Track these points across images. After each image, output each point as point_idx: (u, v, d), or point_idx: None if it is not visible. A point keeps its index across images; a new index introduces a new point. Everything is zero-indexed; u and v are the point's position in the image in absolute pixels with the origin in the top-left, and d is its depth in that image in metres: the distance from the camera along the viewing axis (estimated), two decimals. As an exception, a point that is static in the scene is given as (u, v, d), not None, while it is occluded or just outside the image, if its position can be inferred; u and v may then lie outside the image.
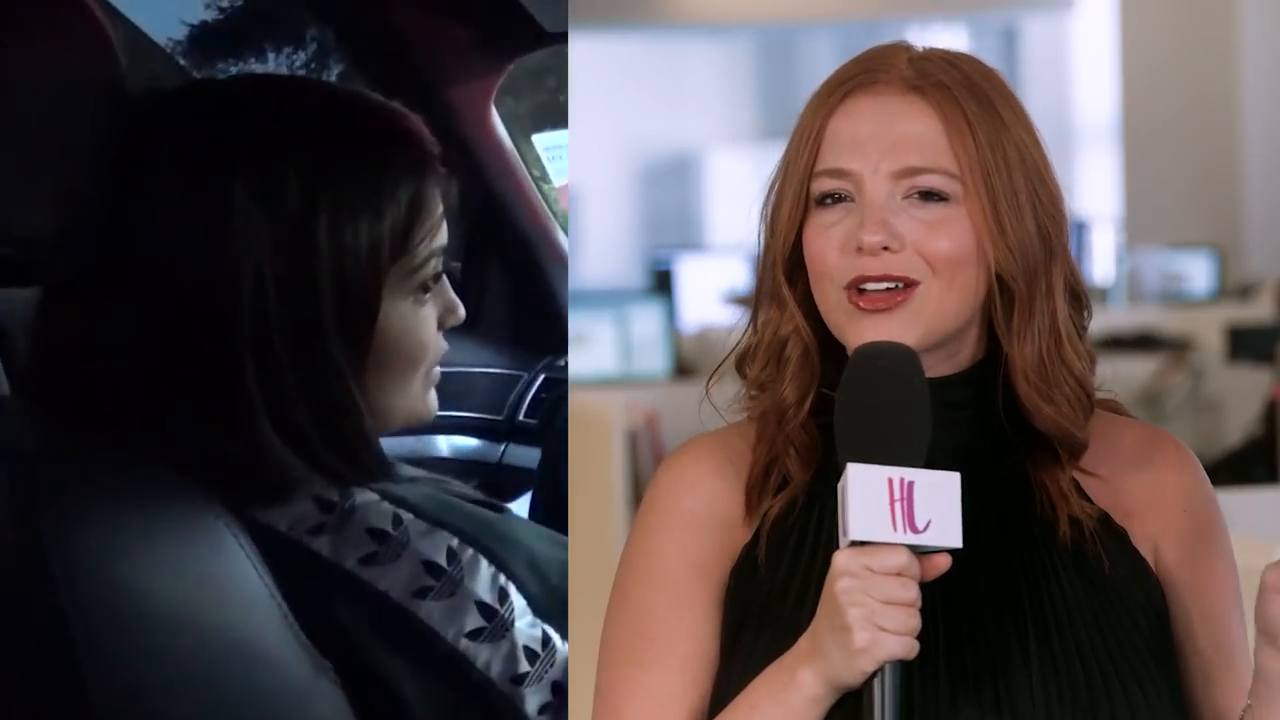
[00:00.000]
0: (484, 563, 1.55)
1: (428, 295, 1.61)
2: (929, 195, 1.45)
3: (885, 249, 1.43)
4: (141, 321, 1.52)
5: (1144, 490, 1.52)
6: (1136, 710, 1.43)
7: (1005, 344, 1.47)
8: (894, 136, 1.45)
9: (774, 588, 1.46)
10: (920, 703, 1.40)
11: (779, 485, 1.50)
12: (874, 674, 1.35)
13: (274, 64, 3.44)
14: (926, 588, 1.36)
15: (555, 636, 1.57)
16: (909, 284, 1.44)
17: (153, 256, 1.52)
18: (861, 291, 1.44)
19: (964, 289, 1.45)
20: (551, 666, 1.55)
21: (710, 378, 1.55)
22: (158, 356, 1.51)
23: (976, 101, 1.45)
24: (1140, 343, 7.13)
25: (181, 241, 1.51)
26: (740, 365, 1.54)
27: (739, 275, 9.44)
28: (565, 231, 2.85)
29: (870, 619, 1.34)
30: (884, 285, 1.44)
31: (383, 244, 1.55)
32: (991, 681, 1.42)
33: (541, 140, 2.89)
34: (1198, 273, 10.17)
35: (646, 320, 6.06)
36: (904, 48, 1.50)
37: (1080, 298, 1.50)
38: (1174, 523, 1.51)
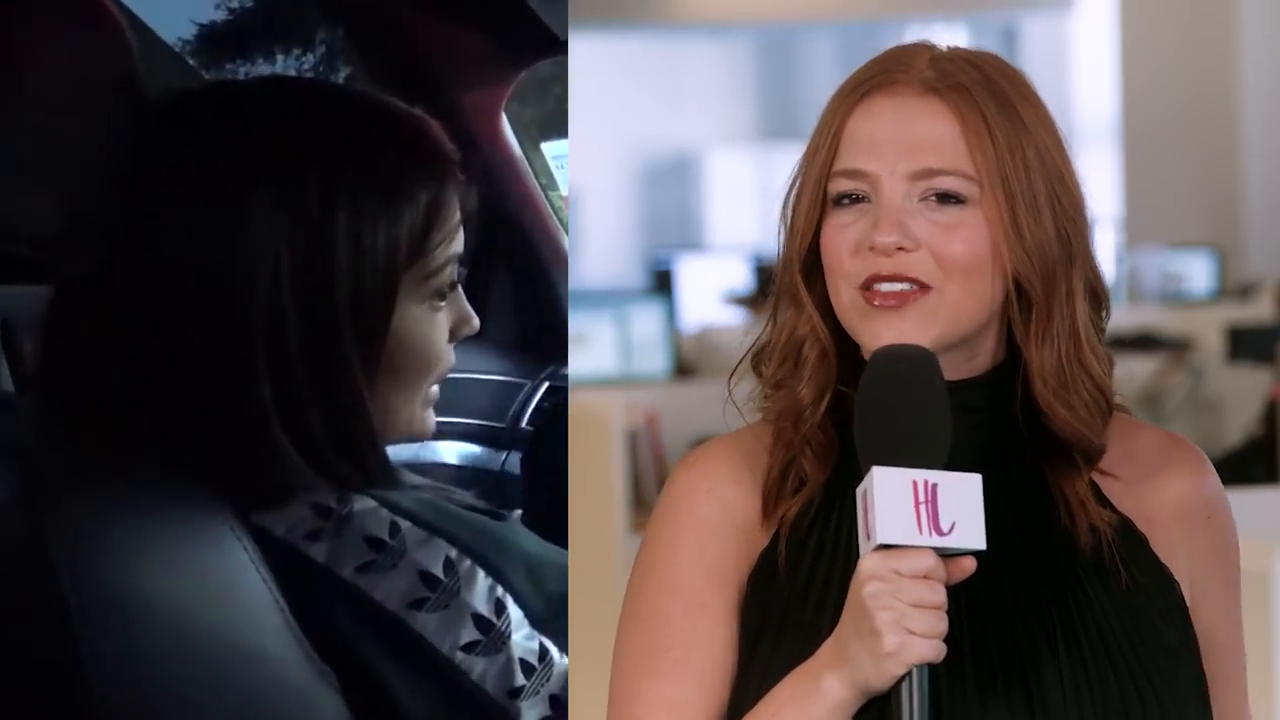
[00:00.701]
0: (481, 574, 1.54)
1: (443, 303, 1.61)
2: (946, 198, 1.44)
3: (900, 249, 1.42)
4: (153, 321, 1.52)
5: (1169, 499, 1.51)
6: (1166, 711, 1.43)
7: (1023, 348, 1.46)
8: (911, 138, 1.44)
9: (793, 593, 1.45)
10: (948, 705, 1.40)
11: (796, 488, 1.49)
12: (902, 678, 1.34)
13: (282, 65, 3.43)
14: (951, 590, 1.35)
15: (553, 649, 1.56)
16: (922, 287, 1.43)
17: (167, 256, 1.52)
18: (875, 290, 1.43)
19: (979, 293, 1.44)
20: (549, 680, 1.54)
21: (731, 376, 1.54)
22: (169, 357, 1.51)
23: (996, 103, 1.44)
24: (1140, 343, 7.13)
25: (197, 241, 1.51)
26: (756, 363, 1.53)
27: (739, 275, 9.45)
28: (565, 234, 2.85)
29: (899, 622, 1.33)
30: (897, 286, 1.43)
31: (400, 245, 1.55)
32: (1021, 683, 1.41)
33: (549, 149, 2.90)
34: (1198, 273, 10.17)
35: (646, 320, 6.06)
36: (925, 47, 1.49)
37: (1100, 298, 1.50)
38: (1197, 534, 1.51)
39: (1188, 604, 1.49)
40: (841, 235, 1.45)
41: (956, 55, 1.48)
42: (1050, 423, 1.46)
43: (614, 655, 1.49)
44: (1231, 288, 10.22)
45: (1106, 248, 10.37)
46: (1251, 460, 5.19)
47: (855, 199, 1.46)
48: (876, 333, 1.43)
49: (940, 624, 1.34)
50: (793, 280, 1.49)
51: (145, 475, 1.51)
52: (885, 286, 1.43)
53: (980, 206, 1.44)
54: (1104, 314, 1.51)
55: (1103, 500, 1.49)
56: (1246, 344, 6.87)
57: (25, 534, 1.42)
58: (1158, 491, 1.52)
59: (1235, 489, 1.61)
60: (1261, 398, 5.52)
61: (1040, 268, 1.44)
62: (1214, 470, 1.55)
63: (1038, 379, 1.45)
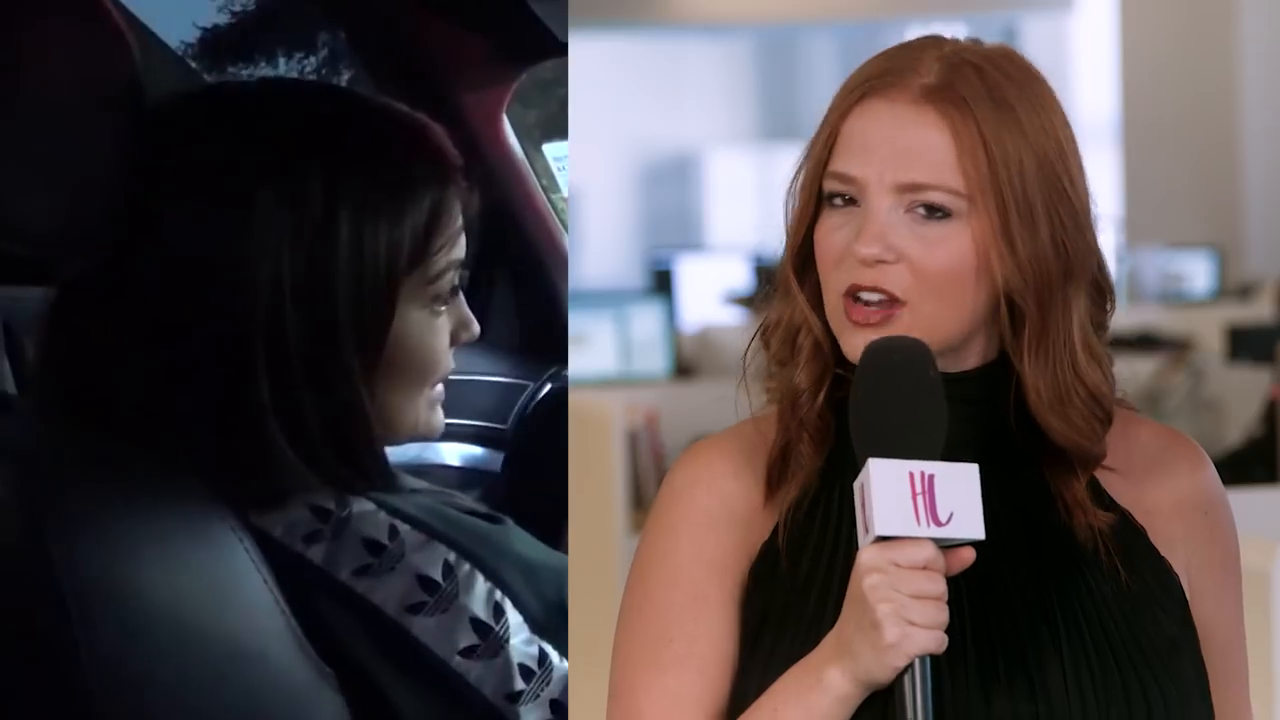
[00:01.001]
0: (480, 578, 1.54)
1: (443, 308, 1.61)
2: (933, 211, 1.43)
3: (880, 261, 1.42)
4: (155, 322, 1.52)
5: (1167, 493, 1.52)
6: (1169, 701, 1.43)
7: (1014, 360, 1.45)
8: (902, 147, 1.43)
9: (794, 586, 1.46)
10: (951, 696, 1.40)
11: (796, 473, 1.48)
12: (904, 669, 1.34)
13: (284, 68, 3.44)
14: (951, 581, 1.36)
15: (553, 654, 1.56)
16: (896, 301, 1.42)
17: (169, 257, 1.52)
18: (855, 301, 1.43)
19: (957, 307, 1.43)
20: (548, 684, 1.54)
21: (745, 355, 1.53)
22: (170, 357, 1.51)
23: (996, 112, 1.43)
24: (1140, 343, 7.13)
25: (199, 242, 1.51)
26: (766, 339, 1.51)
27: (739, 275, 9.45)
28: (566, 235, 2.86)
29: (899, 614, 1.33)
30: (875, 296, 1.43)
31: (401, 247, 1.55)
32: (1024, 673, 1.41)
33: (551, 150, 2.90)
34: (1198, 273, 10.17)
35: (646, 320, 6.07)
36: (934, 44, 1.48)
37: (1104, 292, 1.49)
38: (1196, 528, 1.52)
39: (1187, 597, 1.49)
40: (830, 239, 1.45)
41: (965, 57, 1.46)
42: (1046, 432, 1.46)
43: (614, 648, 1.49)
44: (1231, 288, 10.22)
45: (1106, 248, 10.37)
46: (1251, 460, 5.18)
47: (846, 200, 1.46)
48: (855, 345, 1.43)
49: (941, 614, 1.34)
50: (785, 275, 1.49)
51: (145, 475, 1.51)
52: (864, 296, 1.43)
53: (968, 220, 1.43)
54: (1109, 308, 1.50)
55: (1101, 494, 1.49)
56: (1246, 344, 6.87)
57: (25, 534, 1.42)
58: (1156, 486, 1.52)
59: (1235, 489, 1.61)
60: (1261, 398, 5.52)
61: (1034, 281, 1.43)
62: (1212, 466, 1.55)
63: (1031, 392, 1.45)
